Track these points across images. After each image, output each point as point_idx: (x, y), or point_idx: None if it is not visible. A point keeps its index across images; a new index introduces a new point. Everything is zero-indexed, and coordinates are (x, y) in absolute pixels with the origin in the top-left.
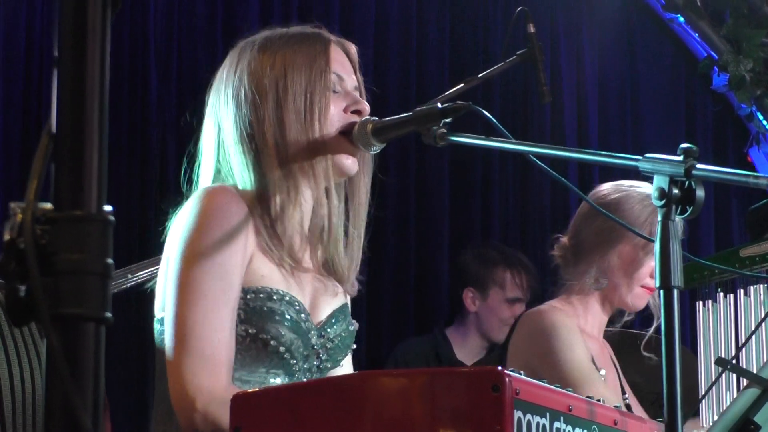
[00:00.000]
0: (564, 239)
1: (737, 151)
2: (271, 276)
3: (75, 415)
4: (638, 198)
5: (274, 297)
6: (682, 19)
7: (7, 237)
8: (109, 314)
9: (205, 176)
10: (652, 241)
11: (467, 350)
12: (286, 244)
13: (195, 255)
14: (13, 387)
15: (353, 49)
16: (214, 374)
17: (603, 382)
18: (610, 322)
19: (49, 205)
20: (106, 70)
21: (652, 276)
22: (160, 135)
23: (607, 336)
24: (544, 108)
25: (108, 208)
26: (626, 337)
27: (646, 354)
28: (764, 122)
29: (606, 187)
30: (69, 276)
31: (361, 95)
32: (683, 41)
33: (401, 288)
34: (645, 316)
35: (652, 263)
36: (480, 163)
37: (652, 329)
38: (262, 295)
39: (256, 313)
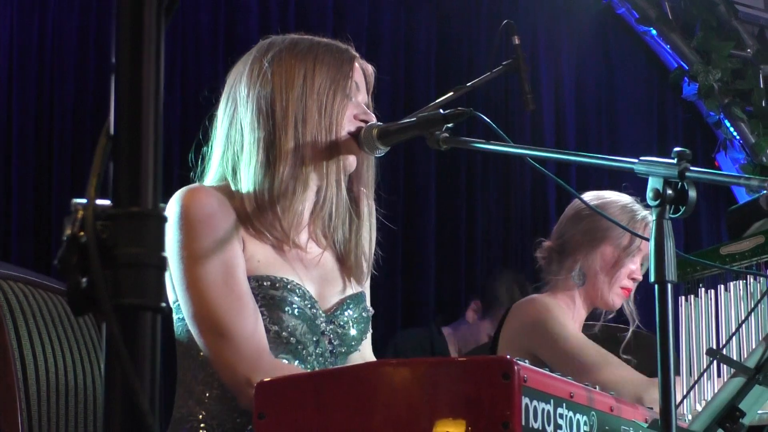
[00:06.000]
0: (547, 242)
1: (706, 156)
2: (267, 261)
3: (135, 397)
4: (618, 205)
5: (277, 285)
6: (654, 31)
7: (68, 232)
8: (164, 304)
9: (214, 155)
10: (644, 239)
11: (454, 350)
12: (285, 225)
13: (192, 255)
14: (76, 377)
15: (370, 70)
16: (254, 349)
17: (611, 356)
18: (593, 318)
19: (108, 202)
20: (161, 74)
21: (629, 277)
22: (165, 142)
23: (592, 329)
24: (524, 114)
25: (163, 205)
26: (609, 331)
27: (624, 356)
28: (731, 129)
29: (588, 196)
30: (128, 268)
31: None
32: (656, 52)
33: (391, 285)
34: (624, 320)
35: (631, 266)
36: (464, 168)
37: (629, 333)
38: (266, 284)
39: (259, 301)
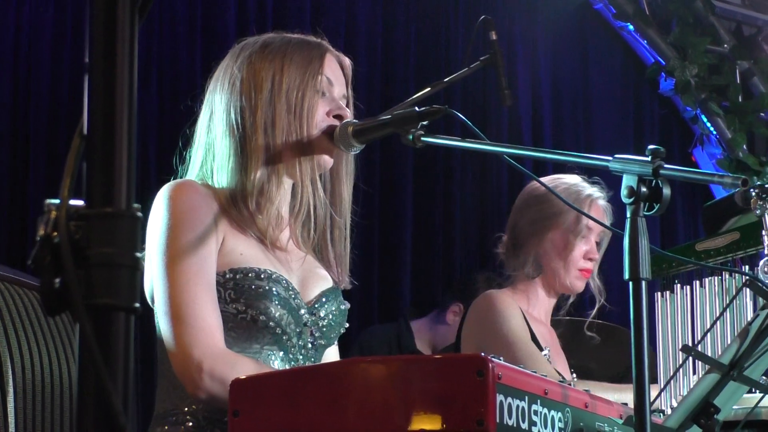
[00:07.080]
0: (505, 237)
1: (682, 152)
2: (249, 253)
3: (107, 398)
4: (563, 187)
5: (262, 276)
6: (631, 27)
7: (41, 232)
8: (137, 304)
9: (195, 159)
10: (589, 217)
11: (425, 344)
12: (261, 224)
13: (172, 246)
14: (53, 374)
15: (347, 62)
16: (210, 337)
17: (540, 355)
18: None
19: (81, 203)
20: (135, 74)
21: (585, 258)
22: (142, 138)
23: (559, 323)
24: (501, 110)
25: (137, 205)
26: (577, 325)
27: (588, 333)
28: (708, 124)
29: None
30: (101, 268)
31: (347, 106)
32: (632, 48)
33: (367, 280)
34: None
35: (584, 246)
36: (441, 162)
37: (594, 311)
38: (250, 275)
39: (245, 292)
